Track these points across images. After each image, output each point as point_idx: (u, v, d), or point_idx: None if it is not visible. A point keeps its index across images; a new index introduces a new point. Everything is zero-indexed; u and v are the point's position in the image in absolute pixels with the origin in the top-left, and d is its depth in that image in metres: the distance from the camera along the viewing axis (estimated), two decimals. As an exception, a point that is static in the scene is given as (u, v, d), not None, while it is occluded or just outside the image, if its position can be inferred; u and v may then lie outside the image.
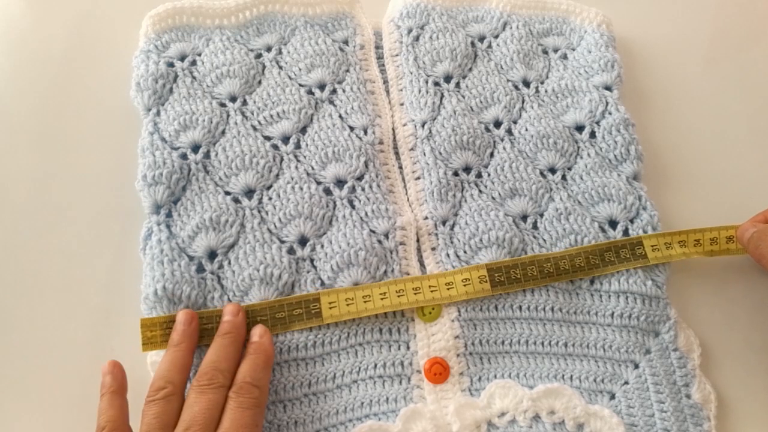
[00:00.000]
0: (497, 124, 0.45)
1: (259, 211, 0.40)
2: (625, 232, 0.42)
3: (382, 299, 0.37)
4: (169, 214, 0.39)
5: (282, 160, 0.41)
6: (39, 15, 0.48)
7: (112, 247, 0.40)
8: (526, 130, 0.45)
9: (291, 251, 0.39)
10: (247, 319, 0.36)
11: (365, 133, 0.43)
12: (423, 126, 0.44)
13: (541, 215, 0.42)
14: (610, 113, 0.45)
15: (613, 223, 0.42)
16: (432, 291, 0.38)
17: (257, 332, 0.35)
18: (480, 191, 0.42)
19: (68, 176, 0.42)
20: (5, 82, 0.45)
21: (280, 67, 0.45)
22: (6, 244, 0.40)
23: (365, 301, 0.37)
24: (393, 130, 0.45)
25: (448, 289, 0.38)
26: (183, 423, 0.30)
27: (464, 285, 0.38)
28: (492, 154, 0.44)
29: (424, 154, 0.43)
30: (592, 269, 0.39)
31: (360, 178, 0.41)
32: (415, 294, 0.38)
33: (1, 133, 0.43)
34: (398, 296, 0.37)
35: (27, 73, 0.45)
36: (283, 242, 0.39)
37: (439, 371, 0.37)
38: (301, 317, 0.36)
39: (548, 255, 0.40)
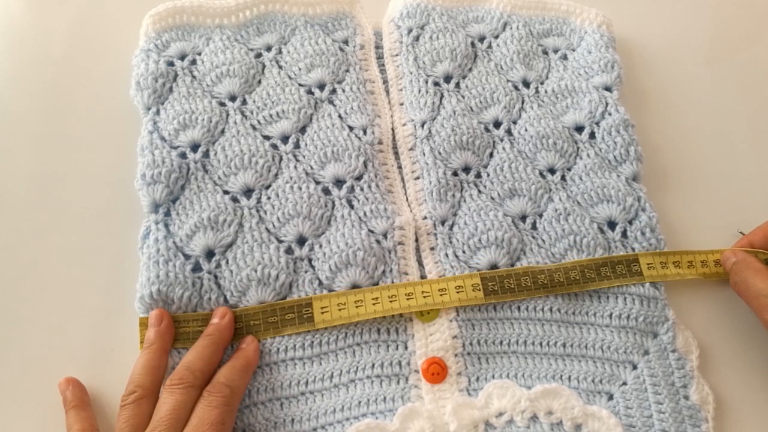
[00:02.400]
0: (497, 124, 0.45)
1: (258, 211, 0.40)
2: (624, 233, 0.42)
3: (374, 304, 0.37)
4: (167, 213, 0.39)
5: (281, 159, 0.41)
6: (39, 14, 0.48)
7: (113, 247, 0.40)
8: (526, 130, 0.45)
9: (289, 251, 0.39)
10: (240, 323, 0.37)
11: (364, 132, 0.43)
12: (422, 126, 0.44)
13: (540, 215, 0.42)
14: (609, 114, 0.45)
15: (611, 224, 0.42)
16: (425, 297, 0.38)
17: (246, 341, 0.36)
18: (479, 191, 0.42)
19: (68, 176, 0.42)
20: (5, 82, 0.45)
21: (280, 67, 0.45)
22: (6, 244, 0.40)
23: (357, 306, 0.37)
24: (392, 129, 0.45)
25: (441, 295, 0.38)
26: (152, 424, 0.31)
27: (457, 292, 0.38)
28: (491, 155, 0.44)
29: (424, 154, 0.43)
30: (587, 283, 0.39)
31: (359, 178, 0.41)
32: (407, 299, 0.38)
33: (1, 133, 0.43)
34: (390, 302, 0.37)
35: (27, 72, 0.45)
36: (281, 242, 0.39)
37: (436, 371, 0.37)
38: (293, 322, 0.37)
39: (543, 267, 0.40)
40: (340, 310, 0.37)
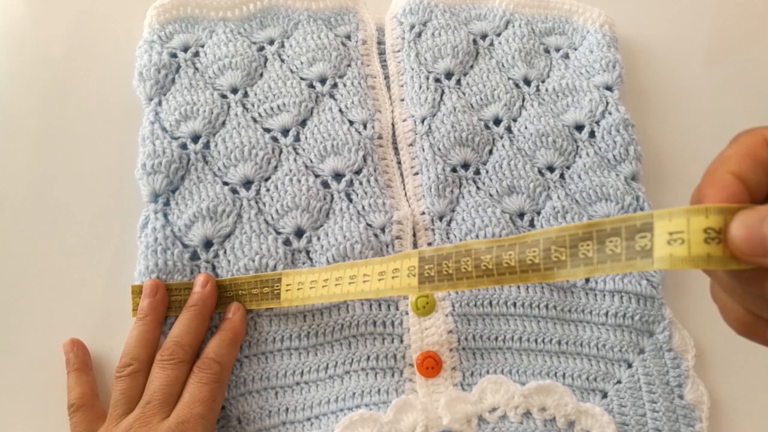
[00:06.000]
0: (497, 121, 0.45)
1: (257, 202, 0.40)
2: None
3: (323, 287, 0.34)
4: (167, 203, 0.39)
5: (281, 152, 0.42)
6: (42, 5, 0.48)
7: (113, 245, 0.40)
8: (526, 128, 0.45)
9: (287, 243, 0.39)
10: (230, 292, 0.37)
11: (365, 127, 0.43)
12: (422, 122, 0.44)
13: (538, 213, 0.42)
14: (610, 113, 0.45)
15: (610, 223, 0.42)
16: (364, 282, 0.32)
17: (231, 309, 0.36)
18: (478, 188, 0.43)
19: (70, 171, 0.42)
20: (6, 75, 0.45)
21: (282, 60, 0.45)
22: (7, 241, 0.40)
23: (310, 288, 0.35)
24: (392, 125, 0.45)
25: (379, 280, 0.32)
26: (145, 397, 0.32)
27: (393, 277, 0.31)
28: (491, 152, 0.44)
29: (423, 150, 0.43)
30: (548, 271, 0.24)
31: (358, 172, 0.41)
32: (350, 284, 0.33)
33: (3, 126, 0.43)
34: (336, 285, 0.33)
35: (28, 68, 0.45)
36: (279, 233, 0.39)
37: (431, 365, 0.37)
38: (267, 296, 0.36)
39: (489, 243, 0.27)
40: (298, 290, 0.35)
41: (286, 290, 0.36)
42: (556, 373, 0.38)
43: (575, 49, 0.49)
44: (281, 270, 0.37)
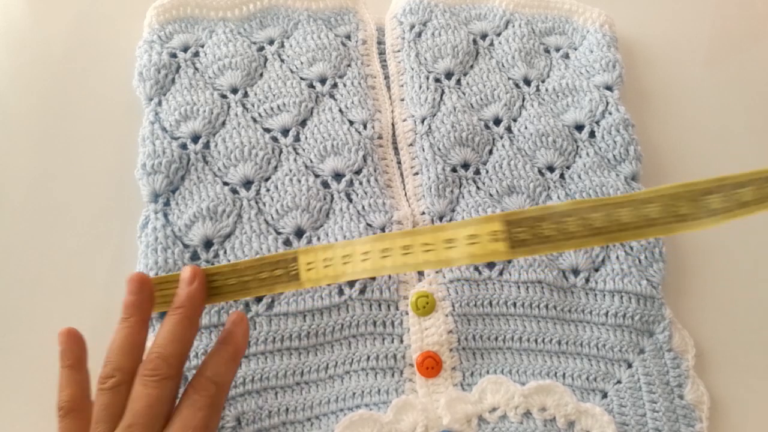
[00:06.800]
0: (497, 121, 0.45)
1: (257, 202, 0.40)
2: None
3: (363, 261, 0.30)
4: (167, 203, 0.39)
5: (281, 152, 0.42)
6: (42, 5, 0.48)
7: (113, 245, 0.40)
8: (526, 128, 0.45)
9: (287, 243, 0.39)
10: (233, 280, 0.32)
11: (365, 127, 0.43)
12: (422, 122, 0.44)
13: (539, 213, 0.42)
14: (610, 113, 0.45)
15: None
16: (426, 252, 0.29)
17: (232, 319, 0.32)
18: (478, 188, 0.43)
19: (70, 171, 0.42)
20: (6, 75, 0.45)
21: (282, 60, 0.45)
22: (7, 241, 0.40)
23: (344, 263, 0.30)
24: (393, 125, 0.45)
25: (447, 248, 0.29)
26: (126, 419, 0.28)
27: (470, 244, 0.29)
28: (491, 152, 0.44)
29: (423, 150, 0.43)
30: (671, 223, 0.27)
31: (358, 172, 0.41)
32: (404, 255, 0.30)
33: (3, 126, 0.43)
34: (383, 257, 0.30)
35: (28, 68, 0.45)
36: (279, 233, 0.39)
37: (431, 365, 0.37)
38: (281, 279, 0.31)
39: (596, 202, 0.28)
40: (326, 267, 0.31)
41: (308, 269, 0.31)
42: (556, 373, 0.38)
43: (575, 49, 0.49)
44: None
